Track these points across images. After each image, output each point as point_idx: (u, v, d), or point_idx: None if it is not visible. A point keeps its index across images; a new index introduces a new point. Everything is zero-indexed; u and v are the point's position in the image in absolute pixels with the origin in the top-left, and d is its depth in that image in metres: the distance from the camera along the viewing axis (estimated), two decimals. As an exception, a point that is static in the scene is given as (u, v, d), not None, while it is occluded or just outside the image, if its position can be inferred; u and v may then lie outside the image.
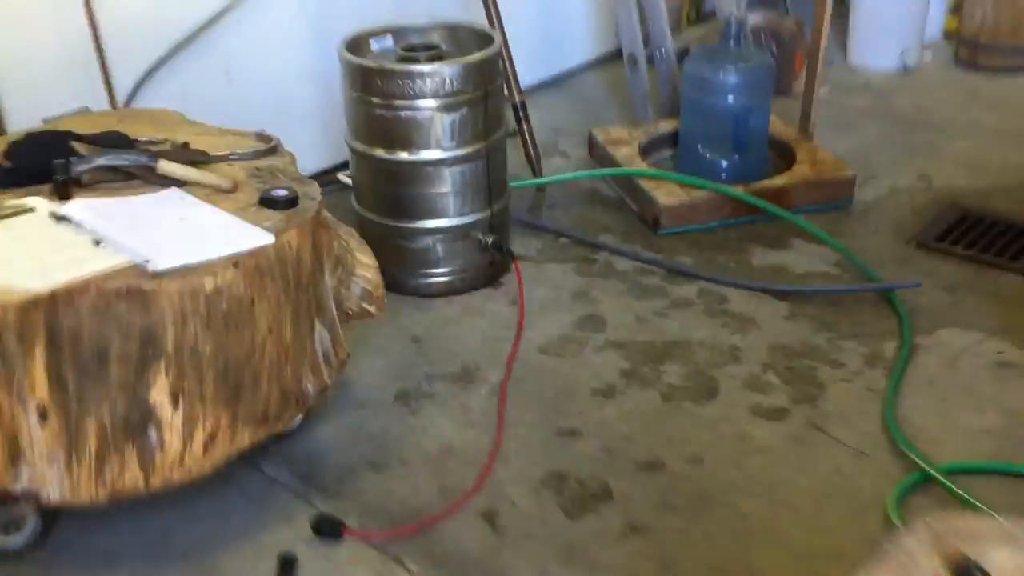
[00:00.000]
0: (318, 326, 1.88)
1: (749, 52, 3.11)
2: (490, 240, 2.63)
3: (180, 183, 1.81)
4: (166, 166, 1.80)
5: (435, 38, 2.67)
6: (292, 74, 3.09)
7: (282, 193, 1.79)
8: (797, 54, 3.80)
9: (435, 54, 2.54)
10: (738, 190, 2.93)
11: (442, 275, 2.65)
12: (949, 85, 3.91)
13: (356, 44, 2.57)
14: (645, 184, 3.00)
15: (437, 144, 2.48)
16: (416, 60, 2.50)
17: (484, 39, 2.61)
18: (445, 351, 2.45)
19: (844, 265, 2.76)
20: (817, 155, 3.13)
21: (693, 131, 3.16)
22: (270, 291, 1.66)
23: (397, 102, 2.43)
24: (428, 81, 2.41)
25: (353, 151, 2.58)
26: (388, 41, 2.67)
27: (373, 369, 2.37)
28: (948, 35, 4.21)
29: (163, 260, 1.53)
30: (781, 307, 2.59)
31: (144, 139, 2.02)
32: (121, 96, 2.72)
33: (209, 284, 1.54)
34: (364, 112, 2.49)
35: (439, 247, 2.62)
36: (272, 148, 2.05)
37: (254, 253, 1.63)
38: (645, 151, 3.25)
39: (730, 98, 3.04)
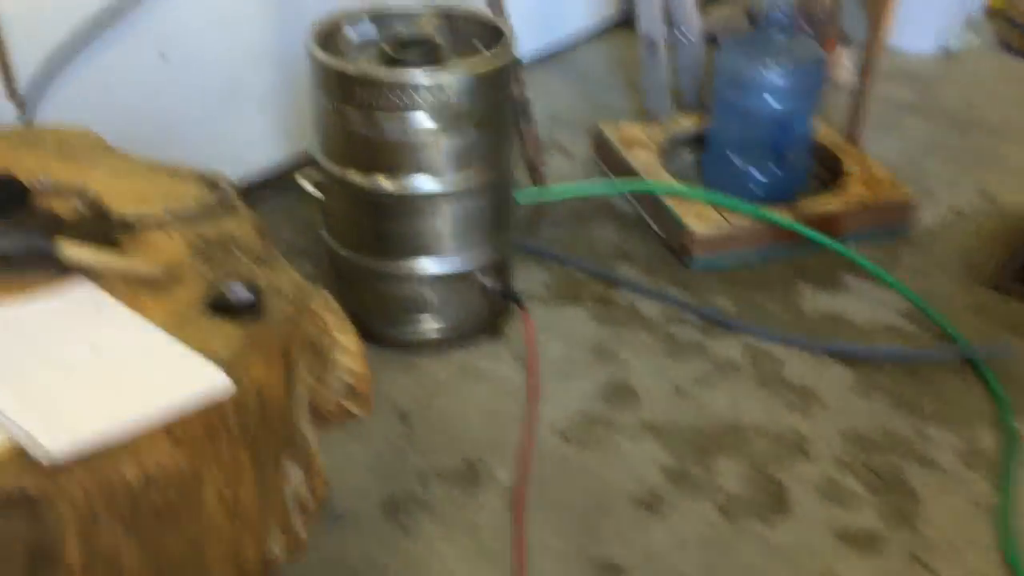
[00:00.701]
0: (287, 465, 1.36)
1: (797, 43, 2.59)
2: (496, 286, 2.12)
3: (92, 272, 1.27)
4: (71, 251, 1.25)
5: (427, 27, 2.11)
6: (241, 53, 2.50)
7: (242, 294, 1.26)
8: (830, 35, 3.30)
9: (429, 51, 1.98)
10: (785, 216, 2.45)
11: (433, 326, 2.14)
12: (1000, 75, 3.45)
13: (327, 33, 2.00)
14: (671, 203, 2.50)
15: (433, 173, 1.95)
16: (406, 61, 1.94)
17: (490, 32, 2.06)
18: (440, 434, 1.95)
19: (914, 315, 2.30)
20: (870, 170, 2.65)
21: (724, 135, 2.65)
22: (224, 453, 1.15)
23: (383, 118, 1.88)
24: (425, 94, 1.86)
25: (322, 169, 2.03)
26: (368, 28, 2.11)
27: (352, 463, 1.87)
28: (992, 13, 3.73)
29: (61, 439, 0.99)
30: (847, 375, 2.13)
31: (41, 183, 1.46)
32: (24, 82, 2.13)
33: (131, 473, 1.02)
34: (338, 126, 1.94)
35: (430, 293, 2.10)
36: (223, 201, 1.50)
37: (201, 407, 1.10)
38: (665, 154, 2.75)
39: (773, 100, 2.53)
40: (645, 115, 2.96)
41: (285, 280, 1.39)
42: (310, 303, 1.46)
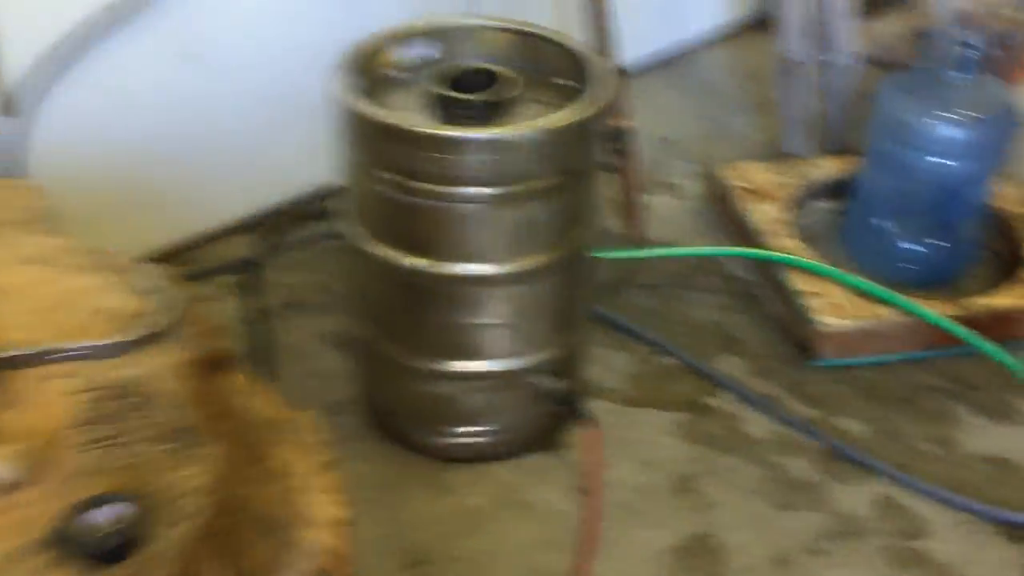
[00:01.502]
0: None
1: (981, 84, 2.01)
2: (556, 390, 1.64)
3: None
4: None
5: (496, 54, 1.64)
6: (279, 54, 2.08)
7: (109, 526, 0.82)
8: (1018, 59, 2.67)
9: (492, 91, 1.50)
10: (945, 312, 1.89)
11: (472, 434, 1.69)
12: None
13: (366, 58, 1.54)
14: (796, 280, 1.97)
15: (486, 254, 1.48)
16: (458, 106, 1.47)
17: (580, 65, 1.56)
18: (462, 593, 1.51)
19: (1109, 470, 1.74)
20: (1063, 254, 2.07)
21: (875, 193, 2.10)
22: None
23: (421, 185, 1.42)
24: (479, 156, 1.39)
25: (357, 249, 1.58)
26: (424, 50, 1.64)
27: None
28: None
29: None
30: (1011, 553, 1.59)
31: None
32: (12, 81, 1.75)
33: None
34: (366, 186, 1.49)
35: (472, 397, 1.65)
36: (154, 334, 1.06)
37: None
38: (797, 206, 2.21)
39: (945, 157, 1.97)
40: (777, 152, 2.42)
41: (202, 464, 0.95)
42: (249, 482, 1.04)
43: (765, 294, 2.07)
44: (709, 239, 2.24)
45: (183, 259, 2.11)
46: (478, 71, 1.55)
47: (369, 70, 1.55)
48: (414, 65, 1.62)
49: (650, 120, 2.62)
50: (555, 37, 1.62)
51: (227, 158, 2.10)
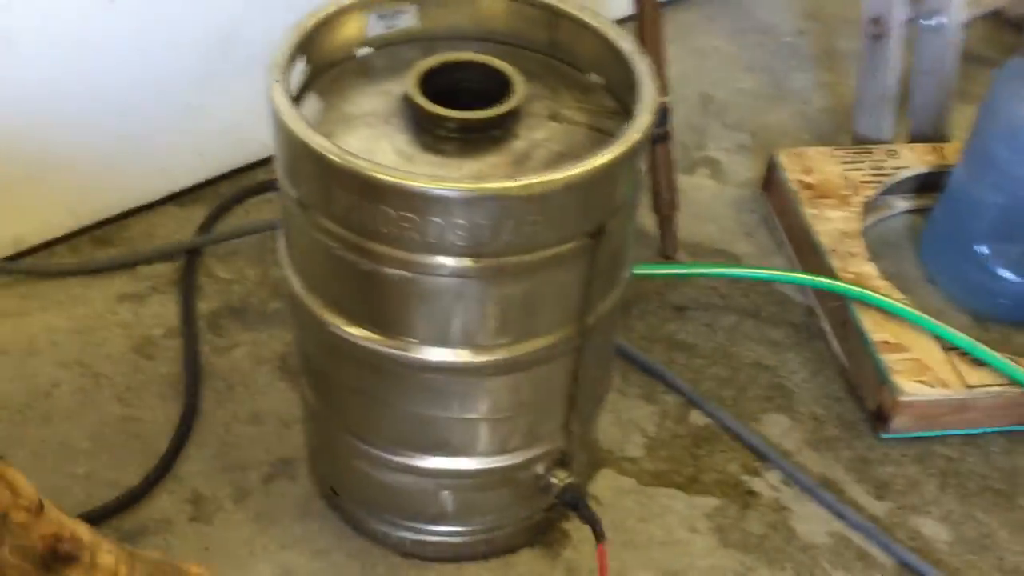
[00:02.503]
0: None
1: None
2: (558, 486, 1.25)
3: None
4: None
5: (494, 28, 1.18)
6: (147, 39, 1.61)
7: None
8: None
9: (495, 107, 1.05)
10: (1059, 383, 1.49)
11: (448, 533, 1.30)
12: None
13: (318, 30, 1.09)
14: (871, 322, 1.55)
15: (469, 338, 1.06)
16: (448, 129, 1.03)
17: (614, 55, 1.11)
18: None
19: None
20: None
21: (973, 207, 1.66)
22: None
23: (387, 250, 0.98)
24: (471, 217, 0.94)
25: (293, 299, 1.15)
26: (399, 18, 1.18)
27: None
28: None
29: None
30: None
31: None
32: None
33: None
34: (306, 233, 1.05)
35: (449, 495, 1.25)
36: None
37: None
38: (872, 209, 1.78)
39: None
40: (853, 136, 1.96)
41: None
42: None
43: (827, 329, 1.66)
44: (757, 243, 1.81)
45: (105, 240, 1.68)
46: (471, 65, 1.10)
47: (320, 49, 1.11)
48: (384, 40, 1.17)
49: (688, 70, 2.17)
50: (580, 14, 1.15)
51: (160, 115, 1.65)
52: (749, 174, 1.96)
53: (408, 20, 1.20)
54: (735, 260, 1.78)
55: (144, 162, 1.66)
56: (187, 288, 1.59)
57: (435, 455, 1.18)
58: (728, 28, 2.35)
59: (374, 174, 0.93)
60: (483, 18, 1.20)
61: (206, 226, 1.69)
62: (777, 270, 1.64)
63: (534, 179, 0.94)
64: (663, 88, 1.63)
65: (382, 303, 1.04)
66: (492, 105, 1.07)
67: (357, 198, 0.95)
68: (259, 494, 1.36)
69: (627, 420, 1.50)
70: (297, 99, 1.09)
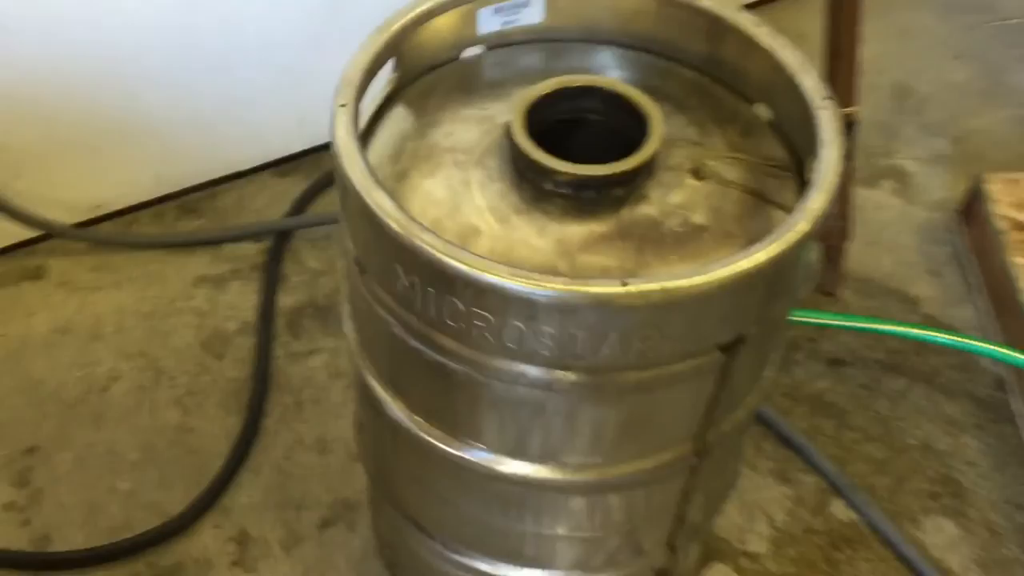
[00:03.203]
0: None
1: None
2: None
3: None
4: None
5: (637, 33, 0.92)
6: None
7: None
8: None
9: (627, 160, 0.80)
10: None
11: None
12: None
13: (409, 36, 0.86)
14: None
15: (561, 455, 0.82)
16: (561, 185, 0.78)
17: (789, 88, 0.83)
18: None
19: None
20: None
21: None
22: None
23: (465, 350, 0.75)
24: (580, 324, 0.70)
25: (350, 356, 0.94)
26: (529, 12, 0.94)
27: None
28: None
29: None
30: None
31: None
32: None
33: None
34: (378, 320, 0.82)
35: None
36: None
37: None
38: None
39: None
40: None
41: None
42: None
43: (1021, 415, 1.35)
44: (943, 287, 1.50)
45: (192, 209, 1.52)
46: (596, 92, 0.85)
47: (416, 49, 0.87)
48: (499, 38, 0.93)
49: (884, 53, 1.82)
50: (753, 29, 0.87)
51: (260, 77, 1.45)
52: (945, 193, 1.63)
53: (532, 14, 0.95)
54: (911, 304, 1.47)
55: (239, 128, 1.47)
56: (271, 277, 1.41)
57: (504, 563, 0.96)
58: (940, 4, 1.98)
59: (436, 255, 0.69)
60: (626, 16, 0.94)
61: (301, 204, 1.51)
62: (966, 338, 1.33)
63: (652, 285, 0.68)
64: (851, 94, 1.33)
65: (447, 400, 0.82)
66: (620, 147, 0.82)
67: (418, 280, 0.73)
68: (312, 542, 1.19)
69: (752, 502, 1.25)
70: (377, 117, 0.86)
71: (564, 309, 0.69)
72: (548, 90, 0.83)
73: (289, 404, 1.30)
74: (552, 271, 0.74)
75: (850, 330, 1.40)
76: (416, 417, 0.86)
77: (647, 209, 0.80)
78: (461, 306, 0.71)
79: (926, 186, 1.64)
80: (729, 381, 0.80)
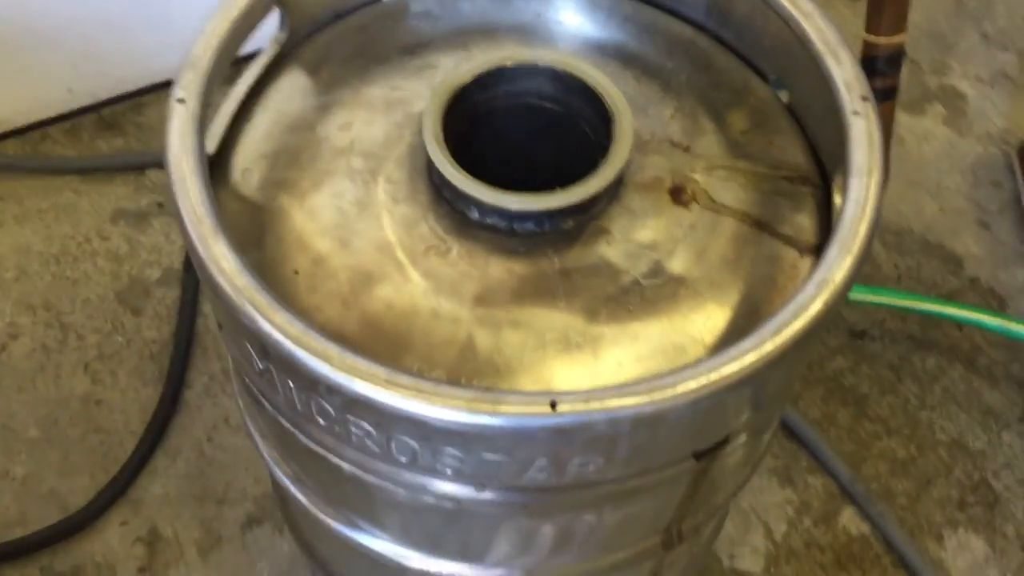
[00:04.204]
0: None
1: None
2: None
3: None
4: None
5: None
6: None
7: None
8: None
9: (573, 204, 0.57)
10: None
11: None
12: None
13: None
14: None
15: (471, 556, 0.64)
16: (495, 226, 0.57)
17: (817, 83, 0.60)
18: None
19: None
20: None
21: None
22: None
23: (347, 452, 0.56)
24: (475, 451, 0.50)
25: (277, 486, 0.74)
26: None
27: None
28: None
29: None
30: None
31: None
32: None
33: None
34: (264, 413, 0.62)
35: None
36: None
37: None
38: None
39: None
40: None
41: None
42: None
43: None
44: (993, 242, 1.27)
45: (112, 123, 1.30)
46: (543, 74, 0.62)
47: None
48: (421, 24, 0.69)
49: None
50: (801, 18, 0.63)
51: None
52: (1005, 123, 1.38)
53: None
54: (955, 264, 1.25)
55: (166, 30, 1.23)
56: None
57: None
58: None
59: (286, 344, 0.49)
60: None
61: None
62: (1013, 321, 1.11)
63: (593, 404, 0.48)
64: (900, 21, 1.08)
65: (335, 487, 0.63)
66: (578, 144, 0.60)
67: (273, 369, 0.52)
68: (233, 544, 1.03)
69: (749, 508, 1.08)
70: (255, 93, 0.64)
71: (469, 435, 0.49)
72: (476, 72, 0.60)
73: (216, 373, 1.12)
74: (466, 345, 0.54)
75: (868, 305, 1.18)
76: (307, 492, 0.67)
77: (606, 249, 0.58)
78: (331, 410, 0.52)
79: (983, 113, 1.39)
80: (706, 482, 0.60)
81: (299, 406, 0.53)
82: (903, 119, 1.36)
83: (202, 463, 1.07)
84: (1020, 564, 1.05)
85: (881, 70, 1.10)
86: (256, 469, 1.07)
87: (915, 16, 1.41)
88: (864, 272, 1.19)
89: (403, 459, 0.52)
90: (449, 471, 0.52)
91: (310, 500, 0.67)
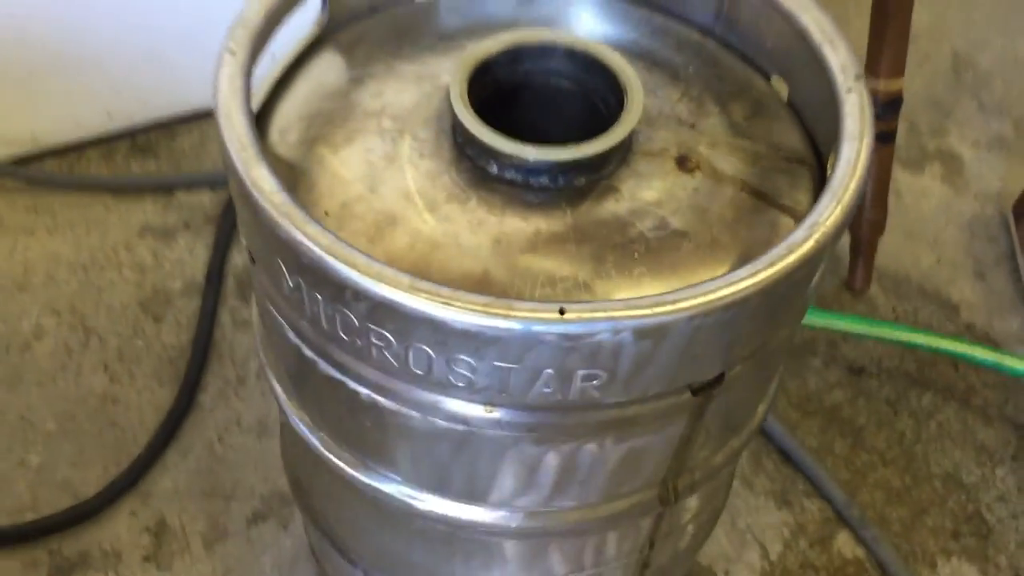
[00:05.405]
0: None
1: None
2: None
3: None
4: None
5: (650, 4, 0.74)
6: None
7: None
8: None
9: (587, 157, 0.62)
10: None
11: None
12: None
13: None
14: None
15: (476, 495, 0.67)
16: (513, 175, 0.62)
17: (812, 77, 0.65)
18: None
19: None
20: None
21: None
22: None
23: (364, 370, 0.60)
24: (486, 356, 0.54)
25: (286, 425, 0.78)
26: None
27: None
28: None
29: None
30: None
31: None
32: None
33: None
34: (271, 320, 0.67)
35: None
36: None
37: None
38: None
39: None
40: None
41: None
42: None
43: (1062, 445, 1.17)
44: (988, 291, 1.31)
45: (147, 148, 1.37)
46: (560, 52, 0.67)
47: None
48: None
49: (943, 19, 1.62)
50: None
51: (227, 6, 1.28)
52: (1000, 184, 1.43)
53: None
54: (951, 310, 1.29)
55: (203, 61, 1.30)
56: (225, 232, 1.26)
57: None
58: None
59: (318, 252, 0.53)
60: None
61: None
62: (1009, 357, 1.15)
63: (598, 313, 0.52)
64: (899, 65, 1.15)
65: (353, 423, 0.66)
66: (592, 123, 0.65)
67: (303, 282, 0.57)
68: (238, 538, 1.05)
69: (745, 528, 1.10)
70: (296, 67, 0.70)
71: (482, 338, 0.53)
72: (500, 48, 0.66)
73: (230, 378, 1.16)
74: (482, 279, 0.58)
75: (869, 339, 1.22)
76: (322, 435, 0.71)
77: (615, 206, 0.63)
78: (355, 320, 0.56)
79: (980, 175, 1.45)
80: (703, 423, 0.64)
81: (324, 322, 0.57)
82: (902, 176, 1.42)
83: (212, 461, 1.10)
84: (1013, 594, 1.07)
85: (880, 114, 1.16)
86: (264, 469, 1.09)
87: (915, 85, 1.49)
88: (862, 311, 1.24)
89: (419, 371, 0.56)
90: (462, 383, 0.56)
91: (325, 445, 0.70)
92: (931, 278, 1.32)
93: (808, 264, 0.56)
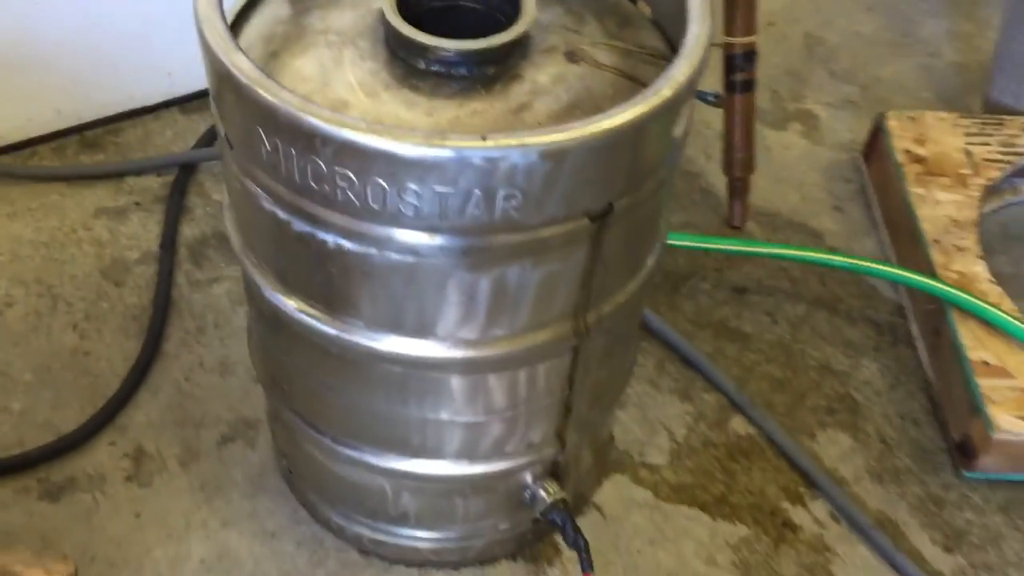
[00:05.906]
0: None
1: None
2: (545, 501, 1.03)
3: None
4: None
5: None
6: None
7: None
8: None
9: (495, 46, 0.80)
10: None
11: (418, 539, 1.10)
12: None
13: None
14: (972, 336, 1.27)
15: (444, 329, 0.83)
16: (433, 62, 0.79)
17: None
18: None
19: None
20: None
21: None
22: None
23: (332, 216, 0.75)
24: (458, 182, 0.70)
25: (248, 284, 0.93)
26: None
27: None
28: None
29: None
30: None
31: None
32: None
33: None
34: (247, 197, 0.82)
35: (417, 500, 1.04)
36: None
37: None
38: (994, 193, 1.48)
39: None
40: (984, 102, 1.64)
41: None
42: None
43: (916, 335, 1.38)
44: (846, 221, 1.53)
45: (95, 143, 1.50)
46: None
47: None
48: None
49: (796, 3, 1.85)
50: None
51: (165, 10, 1.43)
52: (850, 135, 1.66)
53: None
54: (816, 238, 1.50)
55: (145, 60, 1.45)
56: (173, 207, 1.40)
57: (391, 453, 0.97)
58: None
59: (294, 110, 0.69)
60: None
61: (207, 138, 1.49)
62: (860, 259, 1.35)
63: (511, 139, 0.69)
64: (750, 25, 1.35)
65: (320, 273, 0.81)
66: (491, 32, 0.82)
67: (279, 142, 0.72)
68: (210, 458, 1.18)
69: (654, 418, 1.27)
70: (251, 4, 0.86)
71: (425, 164, 0.69)
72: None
73: (191, 329, 1.29)
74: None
75: (752, 256, 1.42)
76: (295, 299, 0.85)
77: (519, 88, 0.80)
78: (323, 166, 0.71)
79: (833, 129, 1.67)
80: (601, 254, 0.81)
81: (297, 176, 0.73)
82: (769, 134, 1.63)
83: (180, 397, 1.23)
84: (880, 452, 1.26)
85: (740, 65, 1.37)
86: (229, 401, 1.23)
87: (775, 59, 1.71)
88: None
89: (375, 206, 0.72)
90: (410, 212, 0.72)
91: (298, 307, 0.85)
92: (798, 213, 1.53)
93: (668, 107, 0.74)
